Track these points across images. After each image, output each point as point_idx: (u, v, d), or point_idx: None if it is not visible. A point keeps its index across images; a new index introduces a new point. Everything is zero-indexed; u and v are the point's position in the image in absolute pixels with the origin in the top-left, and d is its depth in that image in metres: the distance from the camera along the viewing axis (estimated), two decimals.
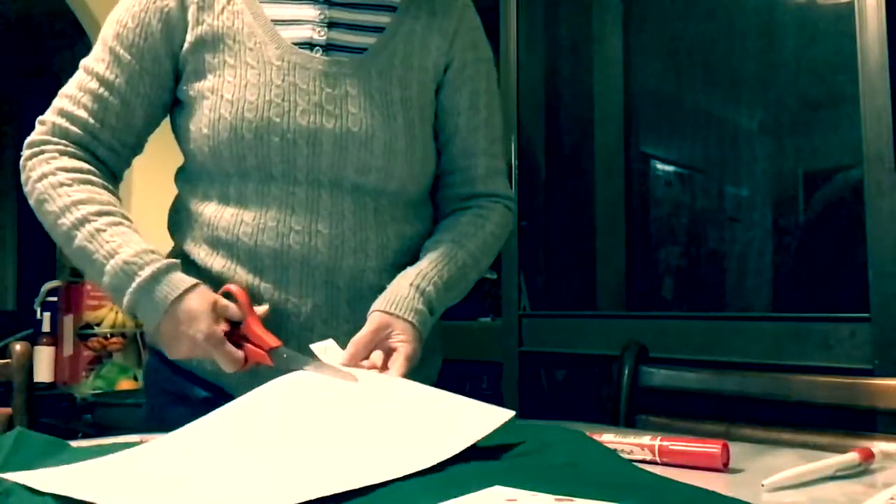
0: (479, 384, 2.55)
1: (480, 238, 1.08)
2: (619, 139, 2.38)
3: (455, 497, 0.56)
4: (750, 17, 2.14)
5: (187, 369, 1.06)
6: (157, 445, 0.75)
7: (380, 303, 0.98)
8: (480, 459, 0.70)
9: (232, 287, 0.96)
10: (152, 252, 0.95)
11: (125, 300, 0.94)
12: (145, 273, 0.92)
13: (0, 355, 1.21)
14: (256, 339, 0.94)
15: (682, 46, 2.34)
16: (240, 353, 0.93)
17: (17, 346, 1.19)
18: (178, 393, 1.07)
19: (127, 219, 0.98)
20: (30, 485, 0.63)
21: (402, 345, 0.94)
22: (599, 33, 2.47)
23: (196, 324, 0.91)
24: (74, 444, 0.81)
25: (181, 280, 0.94)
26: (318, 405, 0.82)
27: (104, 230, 0.95)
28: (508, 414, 0.75)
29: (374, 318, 0.96)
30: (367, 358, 0.93)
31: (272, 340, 0.93)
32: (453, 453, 0.68)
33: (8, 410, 1.16)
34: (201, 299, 0.93)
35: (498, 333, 2.27)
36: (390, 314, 0.96)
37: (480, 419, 0.74)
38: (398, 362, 0.92)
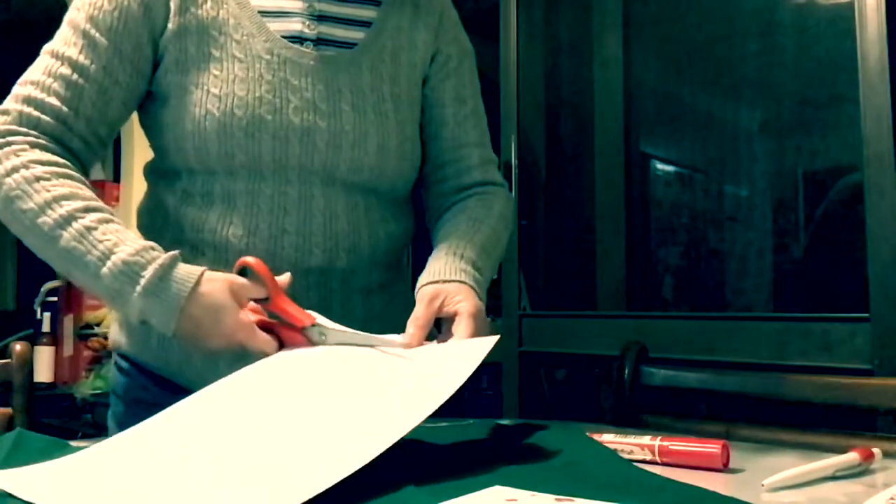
0: (479, 384, 2.55)
1: (494, 217, 1.05)
2: (619, 139, 2.37)
3: (455, 497, 0.56)
4: (750, 17, 2.14)
5: (165, 377, 1.01)
6: (117, 443, 0.72)
7: (423, 278, 0.93)
8: (480, 459, 0.70)
9: (249, 260, 0.86)
10: (153, 248, 0.86)
11: (133, 307, 0.84)
12: (149, 273, 0.83)
13: (0, 355, 1.21)
14: (287, 317, 0.84)
15: (682, 46, 2.34)
16: (273, 341, 0.84)
17: (17, 346, 1.19)
18: (153, 402, 0.97)
19: (113, 215, 0.90)
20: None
21: (462, 304, 0.88)
22: (599, 33, 2.47)
23: (219, 315, 0.83)
24: (74, 444, 0.81)
25: (188, 272, 0.84)
26: (300, 387, 0.78)
27: (94, 228, 0.85)
28: (494, 339, 0.78)
29: (423, 293, 0.90)
30: (428, 335, 0.87)
31: (305, 317, 0.84)
32: (453, 391, 0.68)
33: (8, 410, 1.16)
34: (217, 288, 0.84)
35: (498, 333, 2.26)
36: (436, 282, 0.91)
37: (469, 353, 0.75)
38: (462, 323, 0.86)
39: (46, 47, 0.96)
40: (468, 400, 2.76)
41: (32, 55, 0.98)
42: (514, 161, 2.25)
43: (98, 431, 2.64)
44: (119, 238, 0.85)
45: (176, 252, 0.86)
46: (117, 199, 3.31)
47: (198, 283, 0.84)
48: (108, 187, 3.34)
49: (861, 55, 1.57)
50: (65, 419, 2.74)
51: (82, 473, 0.66)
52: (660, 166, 2.41)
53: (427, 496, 0.58)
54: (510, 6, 2.31)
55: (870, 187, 1.55)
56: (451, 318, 0.88)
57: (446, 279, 0.91)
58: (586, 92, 2.49)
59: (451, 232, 1.01)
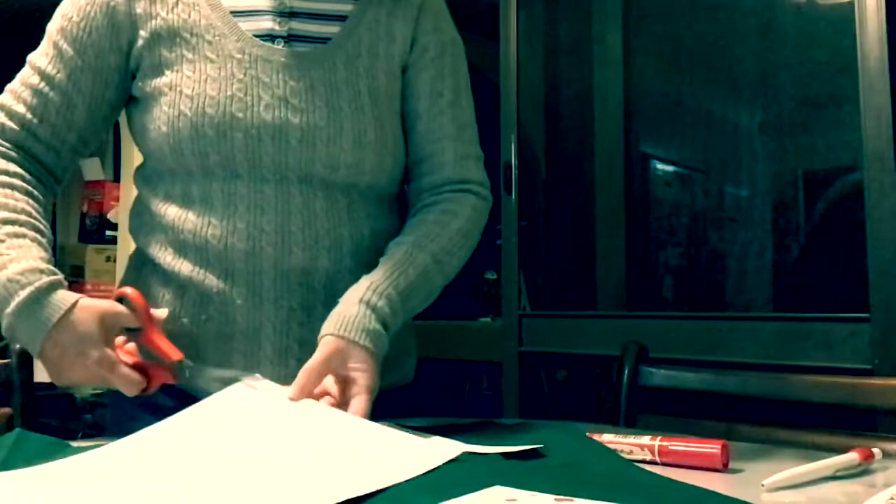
0: (479, 384, 2.55)
1: (445, 238, 1.01)
2: (619, 139, 2.38)
3: (455, 497, 0.56)
4: (750, 17, 2.14)
5: None
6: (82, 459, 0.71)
7: (330, 325, 0.90)
8: (481, 459, 0.70)
9: (127, 290, 0.88)
10: (41, 271, 0.87)
11: (3, 323, 0.86)
12: (24, 293, 0.84)
13: (0, 355, 1.21)
14: (156, 350, 0.86)
15: (682, 46, 2.34)
16: (137, 376, 0.85)
17: (18, 346, 1.19)
18: (151, 402, 0.99)
19: (38, 230, 0.92)
20: None
21: (360, 375, 0.87)
22: (599, 33, 2.47)
23: (84, 346, 0.84)
24: (74, 444, 0.81)
25: (62, 299, 0.86)
26: (258, 434, 0.76)
27: (2, 241, 0.88)
28: (458, 447, 0.71)
29: (325, 344, 0.88)
30: (318, 386, 0.86)
31: (173, 352, 0.86)
32: (398, 481, 0.63)
33: (8, 410, 1.16)
34: (88, 318, 0.85)
35: (498, 333, 2.27)
36: (343, 338, 0.88)
37: (428, 452, 0.70)
38: (359, 399, 0.84)
39: (29, 56, 1.00)
40: (468, 400, 2.75)
41: (31, 48, 1.01)
42: (514, 161, 2.25)
43: (98, 431, 2.64)
44: (18, 255, 0.87)
45: (58, 277, 0.88)
46: (117, 199, 3.30)
47: (69, 310, 0.85)
48: (108, 187, 3.35)
49: (861, 55, 1.57)
50: (65, 419, 2.74)
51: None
52: (660, 166, 2.41)
53: (427, 496, 0.58)
54: (510, 6, 2.31)
55: (870, 187, 1.55)
56: (344, 378, 0.87)
57: (352, 339, 0.88)
58: (586, 92, 2.49)
59: (386, 254, 0.99)
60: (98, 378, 0.86)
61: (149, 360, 0.89)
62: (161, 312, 0.91)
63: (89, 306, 0.86)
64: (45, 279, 0.86)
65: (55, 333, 0.84)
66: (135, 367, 0.87)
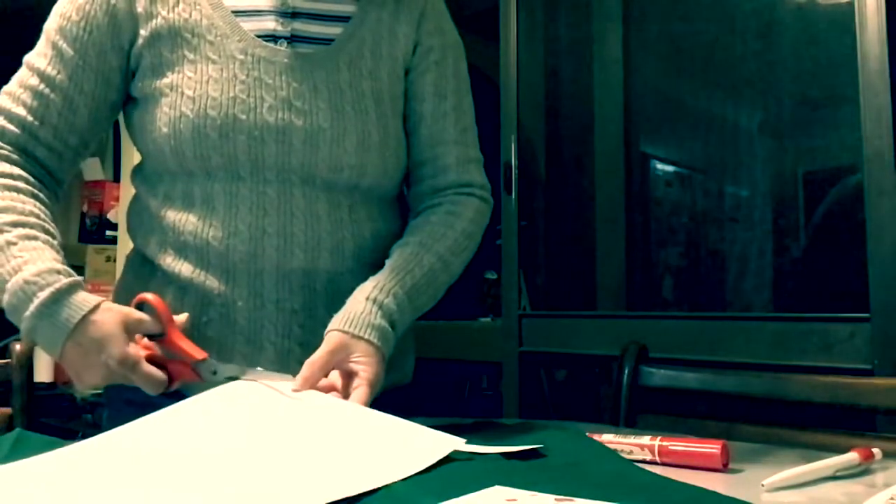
0: (479, 384, 2.55)
1: (451, 238, 1.02)
2: (619, 139, 2.38)
3: (455, 497, 0.56)
4: (750, 17, 2.14)
5: None
6: (77, 449, 0.71)
7: (336, 321, 0.91)
8: (481, 459, 0.70)
9: (148, 296, 0.88)
10: (58, 272, 0.86)
11: (25, 326, 0.85)
12: (44, 294, 0.84)
13: (0, 355, 1.21)
14: (180, 352, 0.86)
15: (682, 46, 2.34)
16: (161, 374, 0.85)
17: (17, 346, 1.19)
18: (145, 403, 0.98)
19: (48, 232, 0.91)
20: None
21: (363, 368, 0.87)
22: (599, 33, 2.47)
23: (107, 347, 0.83)
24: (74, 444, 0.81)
25: (84, 300, 0.85)
26: (258, 422, 0.77)
27: (15, 243, 0.87)
28: (458, 442, 0.71)
29: (330, 338, 0.89)
30: (322, 380, 0.87)
31: (197, 352, 0.86)
32: (396, 479, 0.62)
33: (8, 410, 1.16)
34: (109, 319, 0.84)
35: (498, 333, 2.26)
36: (347, 333, 0.89)
37: (428, 446, 0.70)
38: (360, 390, 0.85)
39: (26, 57, 0.99)
40: (468, 400, 2.74)
41: (31, 46, 1.01)
42: (514, 161, 2.25)
43: (98, 431, 2.63)
44: (32, 257, 0.86)
45: (78, 279, 0.87)
46: (117, 199, 3.31)
47: (91, 311, 0.84)
48: (108, 187, 3.35)
49: (861, 55, 1.57)
50: (65, 419, 2.73)
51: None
52: (660, 166, 2.41)
53: (427, 496, 0.58)
54: (510, 6, 2.31)
55: (870, 187, 1.55)
56: (347, 372, 0.87)
57: (357, 334, 0.89)
58: (586, 92, 2.49)
59: (392, 255, 0.99)
60: (120, 378, 0.85)
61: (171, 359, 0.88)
62: (182, 317, 0.91)
63: (111, 308, 0.86)
64: (65, 280, 0.86)
65: (76, 334, 0.84)
66: (155, 362, 0.86)
